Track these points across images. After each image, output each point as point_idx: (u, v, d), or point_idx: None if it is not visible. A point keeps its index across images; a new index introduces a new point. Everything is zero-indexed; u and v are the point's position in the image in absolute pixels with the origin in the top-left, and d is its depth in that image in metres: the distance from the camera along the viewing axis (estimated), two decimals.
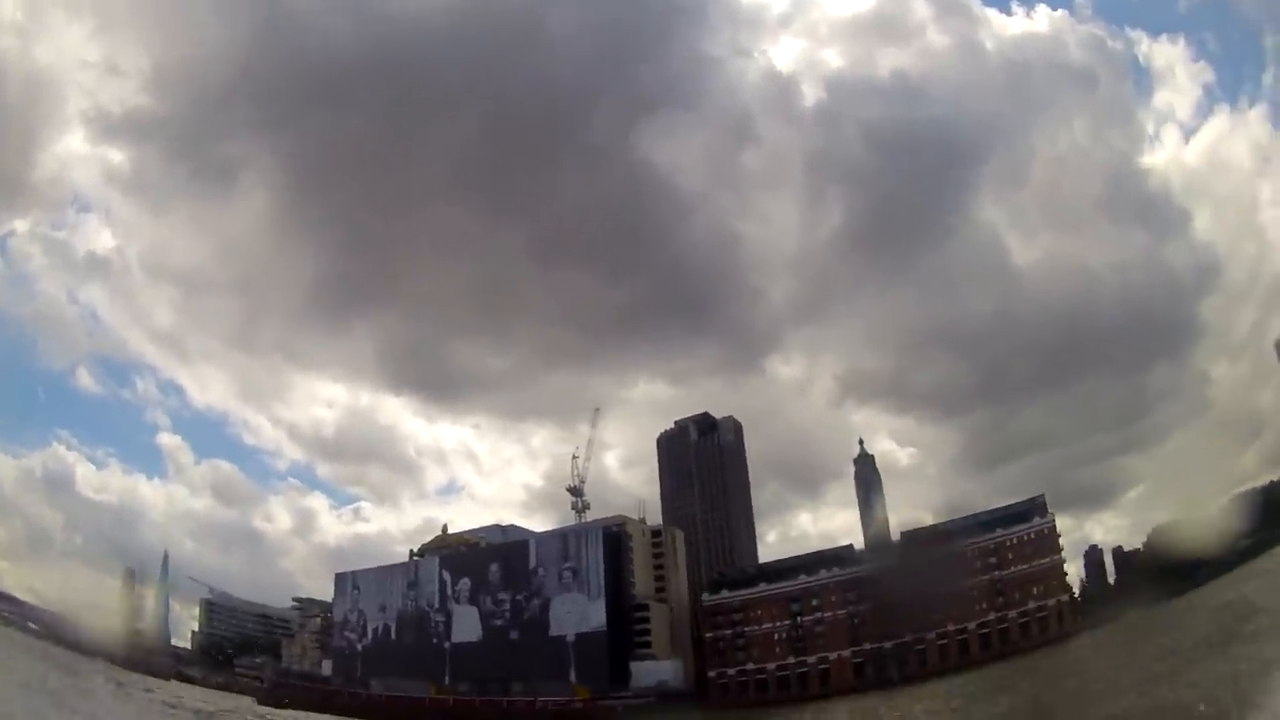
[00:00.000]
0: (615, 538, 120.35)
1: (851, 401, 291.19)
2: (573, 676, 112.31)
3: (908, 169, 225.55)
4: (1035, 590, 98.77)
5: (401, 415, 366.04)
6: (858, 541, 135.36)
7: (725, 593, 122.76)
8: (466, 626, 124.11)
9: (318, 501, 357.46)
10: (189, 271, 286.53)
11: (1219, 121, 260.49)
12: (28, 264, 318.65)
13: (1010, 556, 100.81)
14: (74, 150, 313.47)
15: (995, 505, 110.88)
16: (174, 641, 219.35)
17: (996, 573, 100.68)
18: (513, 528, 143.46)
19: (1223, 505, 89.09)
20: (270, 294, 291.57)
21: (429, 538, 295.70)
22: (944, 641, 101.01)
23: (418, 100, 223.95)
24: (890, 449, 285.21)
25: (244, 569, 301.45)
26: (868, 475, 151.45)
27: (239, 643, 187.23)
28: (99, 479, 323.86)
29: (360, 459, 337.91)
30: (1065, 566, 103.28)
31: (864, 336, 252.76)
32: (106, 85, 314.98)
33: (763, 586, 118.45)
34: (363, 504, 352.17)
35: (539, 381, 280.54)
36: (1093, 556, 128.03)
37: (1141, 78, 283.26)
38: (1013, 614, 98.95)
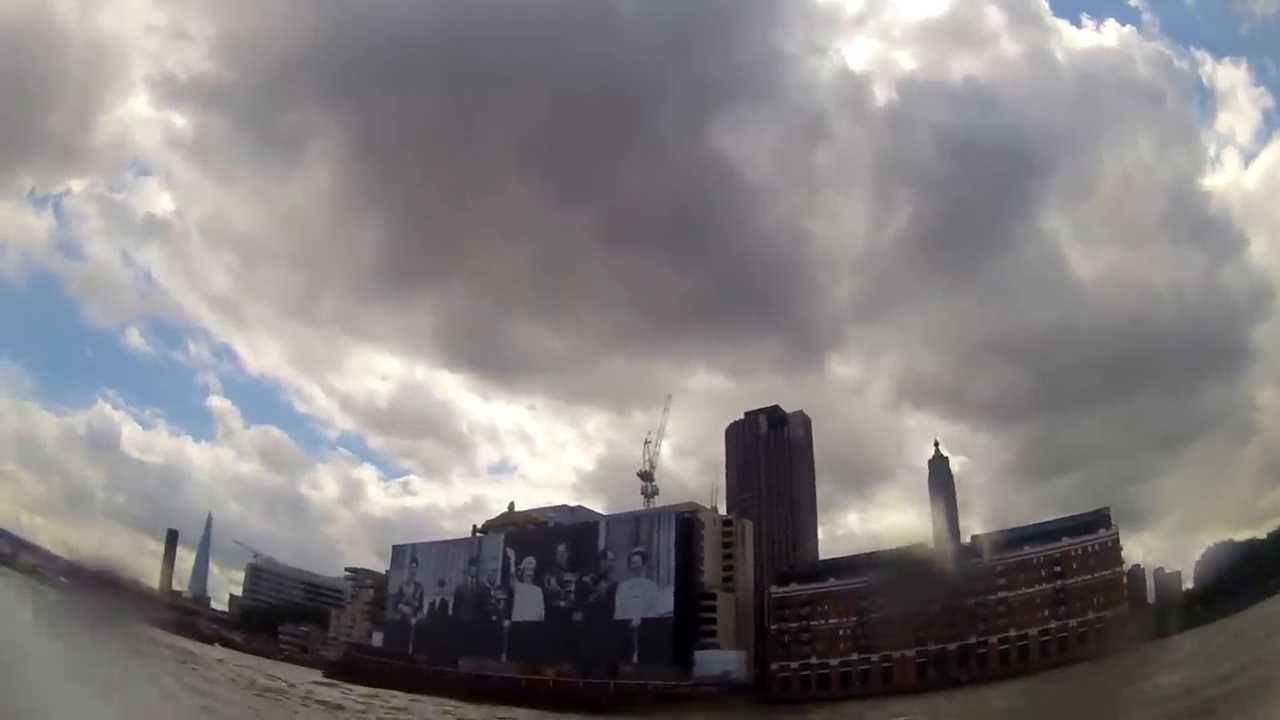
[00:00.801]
0: (688, 525, 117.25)
1: (907, 405, 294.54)
2: (635, 661, 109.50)
3: (977, 175, 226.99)
4: (1096, 600, 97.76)
5: (456, 392, 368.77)
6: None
7: (794, 586, 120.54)
8: (529, 606, 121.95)
9: (366, 473, 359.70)
10: (249, 239, 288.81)
11: (1278, 148, 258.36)
12: (82, 224, 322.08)
13: (1074, 566, 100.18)
14: (137, 114, 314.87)
15: (1042, 518, 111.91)
16: (214, 605, 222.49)
17: (1060, 581, 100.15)
18: (581, 509, 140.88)
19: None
20: (330, 265, 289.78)
21: (478, 514, 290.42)
22: (1005, 646, 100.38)
23: (486, 79, 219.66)
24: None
25: (288, 535, 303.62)
26: (942, 477, 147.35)
27: (283, 609, 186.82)
28: (144, 439, 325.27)
29: (412, 433, 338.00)
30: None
31: (924, 340, 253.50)
32: (172, 50, 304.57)
33: (831, 581, 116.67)
34: (412, 478, 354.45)
35: (597, 366, 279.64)
36: (1134, 575, 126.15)
37: (1205, 99, 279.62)
38: (1073, 623, 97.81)
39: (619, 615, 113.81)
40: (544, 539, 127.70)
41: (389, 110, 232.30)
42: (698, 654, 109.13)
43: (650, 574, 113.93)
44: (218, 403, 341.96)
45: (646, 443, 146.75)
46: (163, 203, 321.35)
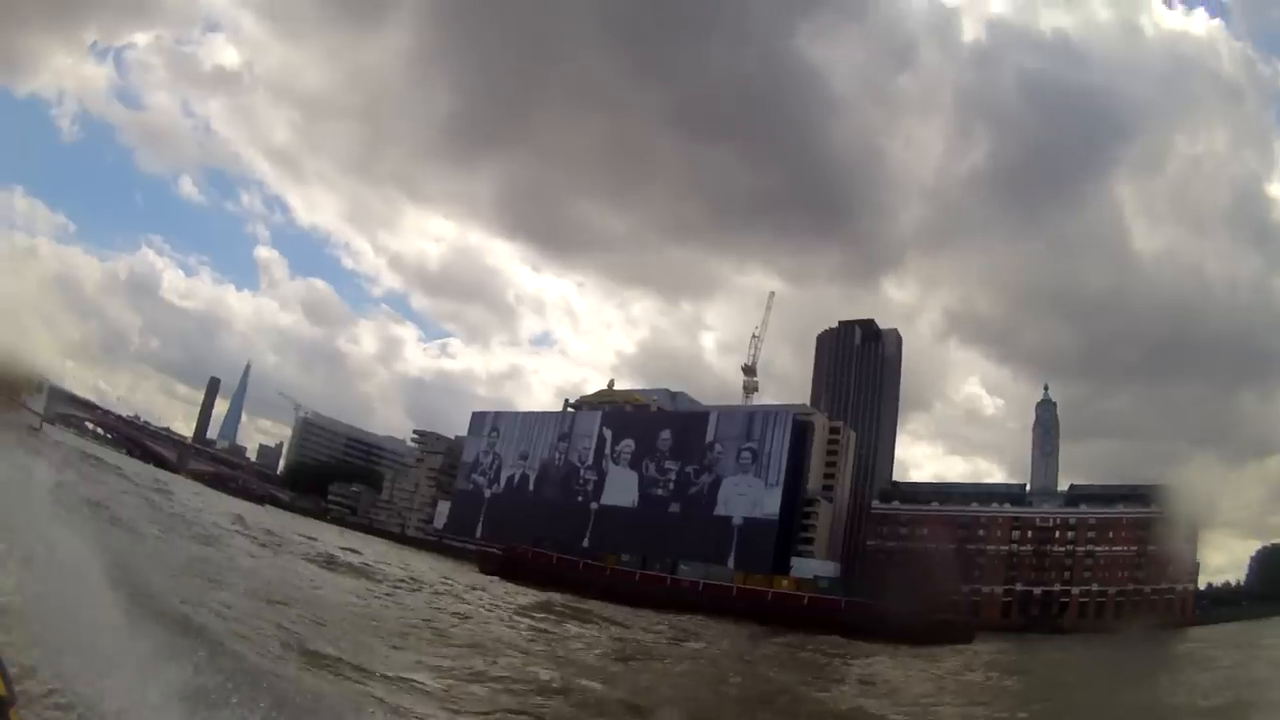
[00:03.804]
0: (802, 427, 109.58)
1: (955, 339, 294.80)
2: (731, 563, 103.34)
3: (1056, 127, 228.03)
4: (1169, 571, 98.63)
5: (507, 261, 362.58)
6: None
7: (897, 504, 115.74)
8: (621, 490, 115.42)
9: (407, 332, 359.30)
10: (315, 95, 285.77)
11: None
12: (144, 75, 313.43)
13: (1159, 534, 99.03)
14: None
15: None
16: (249, 456, 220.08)
17: (1145, 546, 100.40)
18: (683, 396, 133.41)
19: None
20: (395, 124, 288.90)
21: (514, 383, 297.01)
22: (1085, 600, 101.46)
23: None
24: (979, 394, 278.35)
25: (322, 390, 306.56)
26: (1047, 422, 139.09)
27: (333, 468, 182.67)
28: (186, 285, 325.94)
29: (458, 297, 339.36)
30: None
31: (980, 279, 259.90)
32: None
33: (935, 505, 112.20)
34: (452, 340, 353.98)
35: (652, 251, 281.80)
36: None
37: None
38: (1148, 589, 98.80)
39: (719, 511, 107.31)
40: (646, 422, 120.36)
41: None
42: (794, 560, 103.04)
43: (759, 473, 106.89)
44: (265, 253, 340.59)
45: (754, 337, 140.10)
46: (229, 56, 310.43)
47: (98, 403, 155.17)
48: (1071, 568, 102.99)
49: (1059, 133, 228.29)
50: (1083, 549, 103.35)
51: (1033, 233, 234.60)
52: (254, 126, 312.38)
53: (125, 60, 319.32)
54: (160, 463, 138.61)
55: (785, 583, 77.43)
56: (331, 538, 67.53)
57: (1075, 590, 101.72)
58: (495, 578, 66.20)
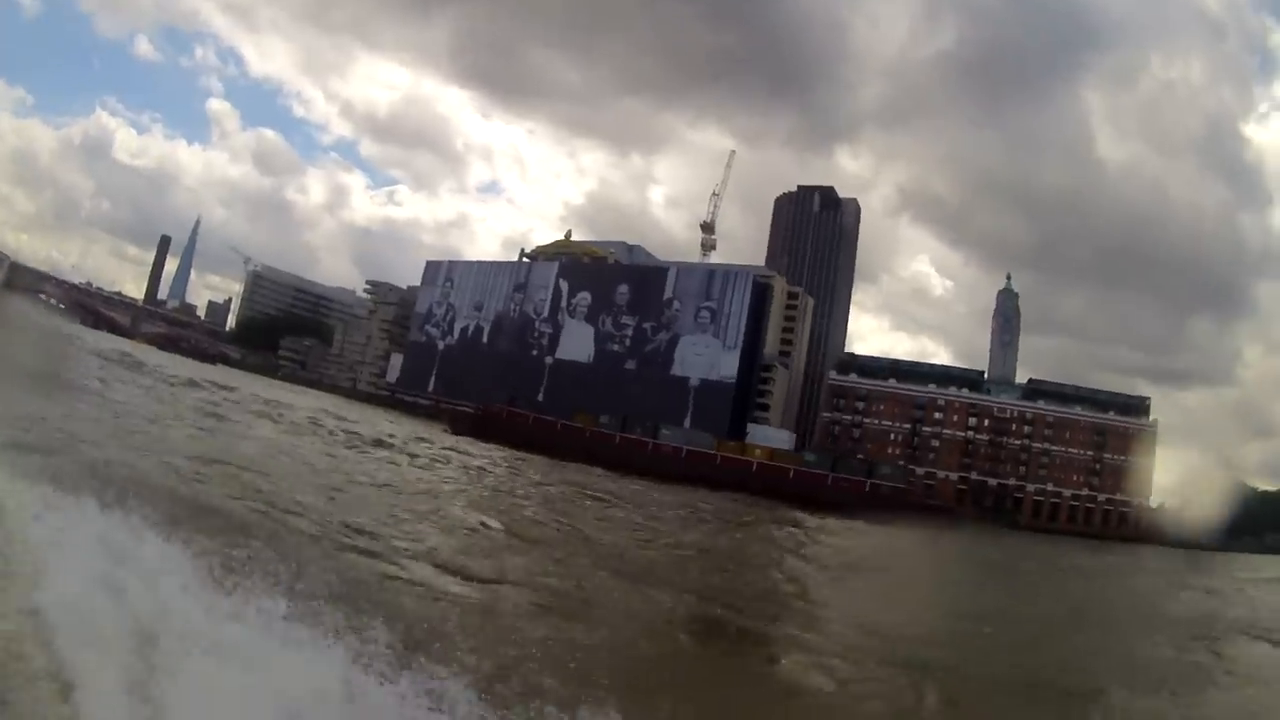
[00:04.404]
0: (762, 289, 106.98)
1: (907, 216, 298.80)
2: (687, 424, 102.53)
3: (1029, 20, 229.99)
4: (1124, 484, 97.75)
5: (459, 108, 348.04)
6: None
7: (854, 377, 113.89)
8: (576, 344, 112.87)
9: (355, 180, 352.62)
10: None
11: None
12: None
13: (1114, 443, 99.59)
14: None
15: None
16: (198, 314, 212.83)
17: (1101, 453, 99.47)
18: (639, 249, 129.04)
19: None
20: None
21: (460, 232, 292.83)
22: (1040, 499, 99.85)
23: None
24: (928, 273, 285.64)
25: (269, 241, 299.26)
26: (1008, 311, 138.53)
27: (282, 321, 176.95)
28: (138, 144, 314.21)
29: (407, 143, 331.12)
30: None
31: (939, 161, 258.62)
32: None
33: (892, 382, 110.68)
34: (399, 188, 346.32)
35: (606, 102, 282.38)
36: None
37: (1266, 63, 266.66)
38: (1102, 498, 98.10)
39: (676, 371, 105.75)
40: (604, 276, 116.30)
41: None
42: (750, 427, 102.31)
43: (717, 334, 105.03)
44: (217, 105, 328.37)
45: (714, 195, 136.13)
46: None
47: (51, 273, 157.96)
48: (1027, 463, 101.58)
49: (1031, 29, 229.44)
50: (1039, 445, 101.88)
51: (995, 123, 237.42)
52: None
53: None
54: (113, 328, 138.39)
55: (758, 452, 76.17)
56: (290, 397, 62.90)
57: (1030, 488, 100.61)
58: (469, 438, 61.69)
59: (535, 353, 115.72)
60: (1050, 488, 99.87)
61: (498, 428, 70.96)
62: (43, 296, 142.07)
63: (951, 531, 59.23)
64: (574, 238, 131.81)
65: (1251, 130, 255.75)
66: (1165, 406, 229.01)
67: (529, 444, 60.47)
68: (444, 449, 44.93)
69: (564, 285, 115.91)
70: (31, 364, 29.23)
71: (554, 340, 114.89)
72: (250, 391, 54.27)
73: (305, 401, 61.31)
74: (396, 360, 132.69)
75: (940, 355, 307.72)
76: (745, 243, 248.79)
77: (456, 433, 68.42)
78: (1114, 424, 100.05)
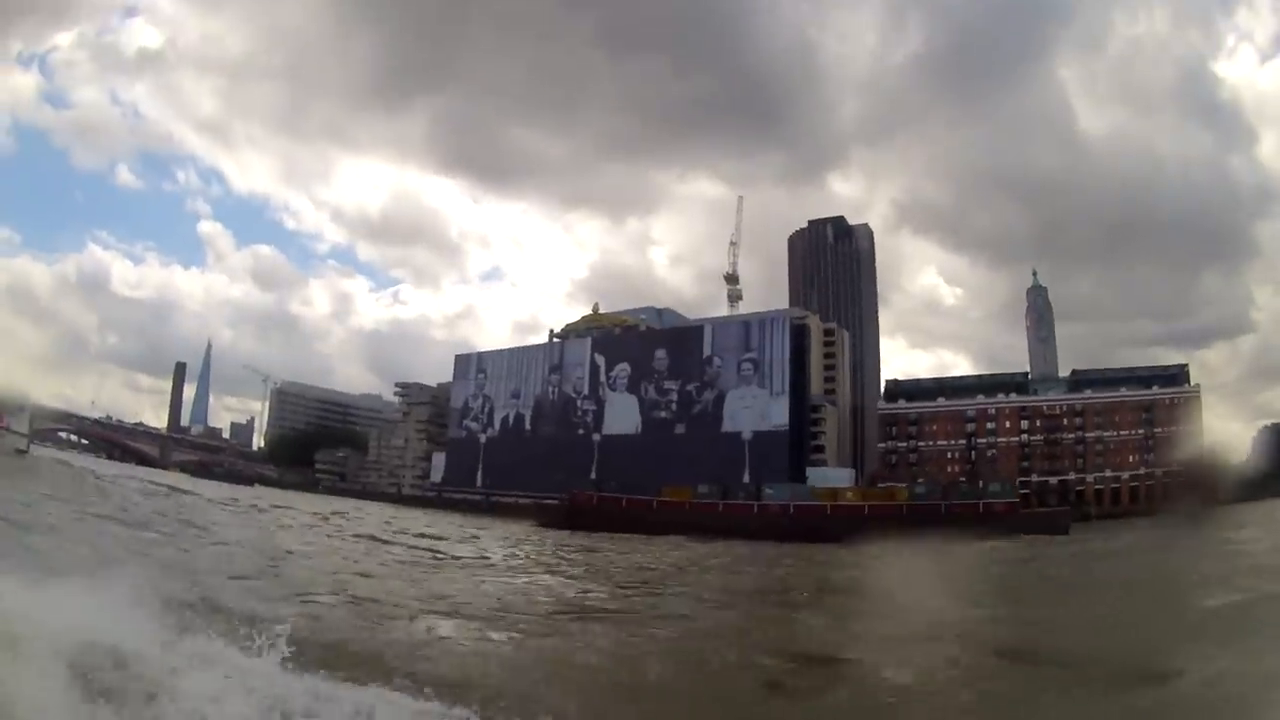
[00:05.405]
0: (800, 331, 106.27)
1: (907, 230, 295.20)
2: (746, 478, 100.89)
3: (991, 7, 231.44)
4: (1177, 452, 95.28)
5: (448, 197, 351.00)
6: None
7: (903, 403, 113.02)
8: (622, 417, 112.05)
9: (357, 285, 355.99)
10: (238, 60, 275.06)
11: None
12: (70, 73, 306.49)
13: (1162, 415, 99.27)
14: None
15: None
16: (224, 436, 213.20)
17: (1151, 429, 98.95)
18: (669, 311, 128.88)
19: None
20: (320, 76, 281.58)
21: (470, 323, 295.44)
22: (1100, 487, 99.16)
23: None
24: (937, 284, 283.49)
25: (279, 357, 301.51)
26: (1040, 307, 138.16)
27: (314, 435, 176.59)
28: (135, 275, 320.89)
29: (403, 240, 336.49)
30: None
31: (927, 167, 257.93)
32: None
33: (940, 401, 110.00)
34: (402, 286, 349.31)
35: (592, 171, 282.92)
36: None
37: None
38: (1159, 471, 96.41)
39: (727, 427, 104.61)
40: (638, 343, 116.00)
41: None
42: (809, 470, 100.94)
43: (762, 383, 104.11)
44: (208, 227, 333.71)
45: (732, 244, 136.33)
46: (149, 37, 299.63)
47: (70, 410, 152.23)
48: (1083, 455, 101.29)
49: (995, 14, 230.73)
50: (1092, 434, 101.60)
51: (976, 117, 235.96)
52: (181, 102, 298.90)
53: (50, 63, 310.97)
54: (142, 460, 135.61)
55: (851, 494, 75.96)
56: (346, 506, 61.63)
57: (1089, 478, 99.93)
58: (565, 531, 58.39)
59: (581, 432, 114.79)
60: (1109, 473, 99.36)
61: (591, 516, 68.70)
62: (62, 434, 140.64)
63: (1062, 535, 57.20)
64: (585, 310, 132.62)
65: (1223, 68, 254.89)
66: (1192, 368, 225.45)
67: (631, 527, 58.05)
68: (568, 553, 39.48)
69: (600, 360, 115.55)
70: (98, 508, 28.45)
71: (598, 416, 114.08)
72: (311, 509, 53.93)
73: (370, 509, 60.07)
74: (439, 459, 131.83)
75: (960, 365, 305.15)
76: (759, 287, 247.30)
77: (544, 525, 66.37)
78: (1159, 398, 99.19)
